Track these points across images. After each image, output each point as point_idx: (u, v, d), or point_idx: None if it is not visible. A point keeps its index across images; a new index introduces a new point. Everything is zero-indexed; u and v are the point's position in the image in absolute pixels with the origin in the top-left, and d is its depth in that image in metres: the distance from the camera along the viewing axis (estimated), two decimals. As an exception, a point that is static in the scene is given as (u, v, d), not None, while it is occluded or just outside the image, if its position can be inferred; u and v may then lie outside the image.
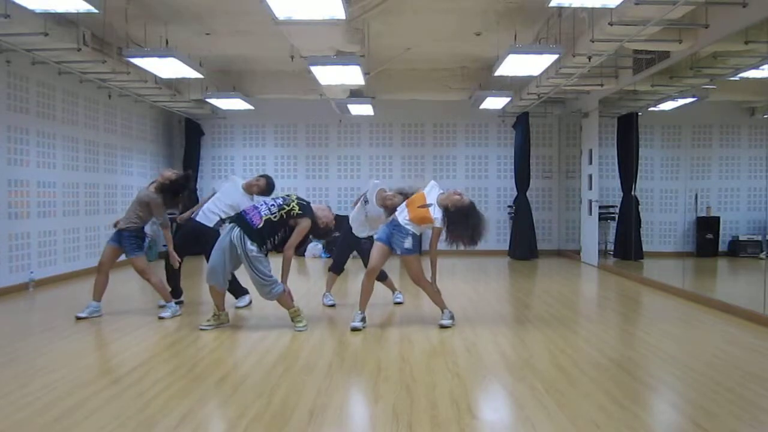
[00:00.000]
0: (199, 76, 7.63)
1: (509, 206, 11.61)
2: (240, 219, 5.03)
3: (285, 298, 5.14)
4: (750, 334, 5.11)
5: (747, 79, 7.39)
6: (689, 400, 3.51)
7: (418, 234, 5.27)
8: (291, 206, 5.09)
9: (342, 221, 6.11)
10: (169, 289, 5.92)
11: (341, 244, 6.32)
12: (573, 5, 5.64)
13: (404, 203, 5.32)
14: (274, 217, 5.01)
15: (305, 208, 5.15)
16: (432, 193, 5.23)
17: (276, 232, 5.04)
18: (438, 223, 5.08)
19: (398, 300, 6.37)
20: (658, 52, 7.24)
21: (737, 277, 9.11)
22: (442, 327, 5.19)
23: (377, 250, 5.27)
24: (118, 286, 6.93)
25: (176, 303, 5.84)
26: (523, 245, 11.04)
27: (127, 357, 4.40)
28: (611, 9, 5.51)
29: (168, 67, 7.17)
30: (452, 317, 5.32)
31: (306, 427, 3.00)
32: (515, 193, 11.38)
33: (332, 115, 11.12)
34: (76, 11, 5.50)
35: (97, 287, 5.63)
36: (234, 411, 3.21)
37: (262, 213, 5.02)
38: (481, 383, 3.80)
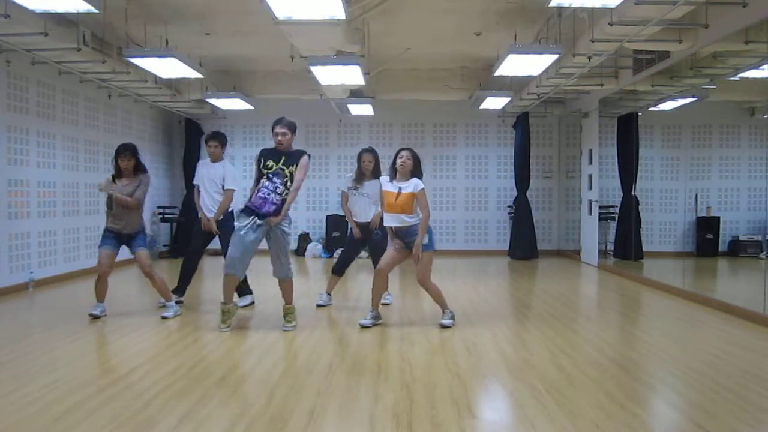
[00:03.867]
0: (199, 76, 7.64)
1: (509, 206, 11.61)
2: (259, 215, 4.97)
3: (290, 287, 5.19)
4: (750, 334, 5.11)
5: (747, 79, 7.39)
6: (689, 400, 3.51)
7: (426, 222, 5.13)
8: (288, 173, 5.01)
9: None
10: (171, 287, 5.91)
11: (350, 243, 6.25)
12: (573, 5, 5.64)
13: (383, 208, 5.27)
14: (285, 191, 4.99)
15: (294, 156, 5.05)
16: (387, 184, 5.20)
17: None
18: (421, 187, 5.08)
19: (386, 301, 6.23)
20: (658, 52, 7.24)
21: (737, 277, 9.10)
22: (443, 327, 5.19)
23: (393, 250, 5.24)
24: (118, 286, 6.93)
25: (177, 302, 5.83)
26: (523, 245, 11.04)
27: (127, 357, 4.41)
28: (611, 9, 5.51)
29: (168, 67, 7.17)
30: (453, 317, 5.32)
31: (306, 427, 3.00)
32: (515, 193, 11.38)
33: (332, 115, 11.12)
34: (76, 11, 5.50)
35: (101, 292, 5.57)
36: (234, 411, 3.21)
37: (274, 199, 4.96)
38: (481, 383, 3.80)
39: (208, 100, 9.69)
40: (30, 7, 5.30)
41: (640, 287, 7.68)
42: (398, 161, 5.15)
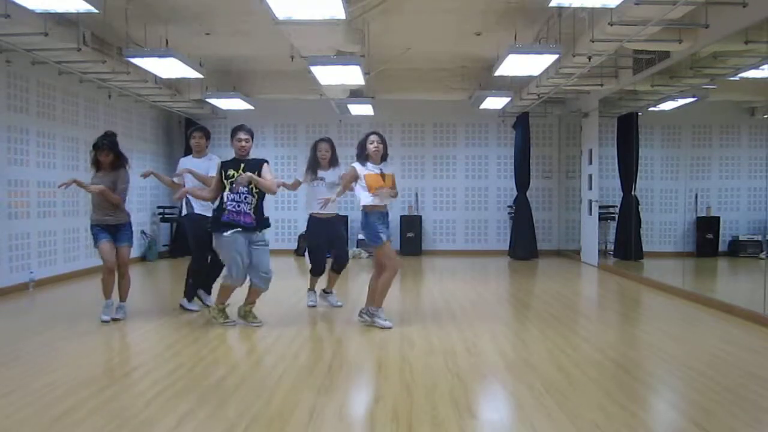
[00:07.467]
0: (199, 76, 7.64)
1: (509, 206, 11.61)
2: (239, 227, 5.02)
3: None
4: (750, 334, 5.11)
5: (747, 79, 7.39)
6: (689, 400, 3.51)
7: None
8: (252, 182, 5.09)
9: (316, 223, 5.92)
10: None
11: (320, 244, 6.10)
12: (573, 5, 5.64)
13: (373, 190, 5.17)
14: (255, 199, 5.06)
15: (253, 164, 5.15)
16: (365, 169, 5.22)
17: (263, 198, 5.15)
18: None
19: (339, 304, 6.17)
20: (658, 52, 7.24)
21: (737, 277, 9.11)
22: (383, 328, 5.15)
23: (390, 248, 5.23)
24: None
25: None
26: (523, 245, 11.03)
27: (127, 357, 4.41)
28: (611, 9, 5.51)
29: (168, 67, 7.17)
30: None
31: (306, 427, 3.00)
32: (515, 193, 11.37)
33: (332, 115, 11.11)
34: (76, 11, 5.51)
35: (109, 286, 5.46)
36: (234, 411, 3.21)
37: (246, 209, 5.04)
38: (481, 383, 3.80)
39: (208, 100, 9.68)
40: (30, 7, 5.30)
41: (640, 287, 7.68)
42: (371, 147, 5.21)
